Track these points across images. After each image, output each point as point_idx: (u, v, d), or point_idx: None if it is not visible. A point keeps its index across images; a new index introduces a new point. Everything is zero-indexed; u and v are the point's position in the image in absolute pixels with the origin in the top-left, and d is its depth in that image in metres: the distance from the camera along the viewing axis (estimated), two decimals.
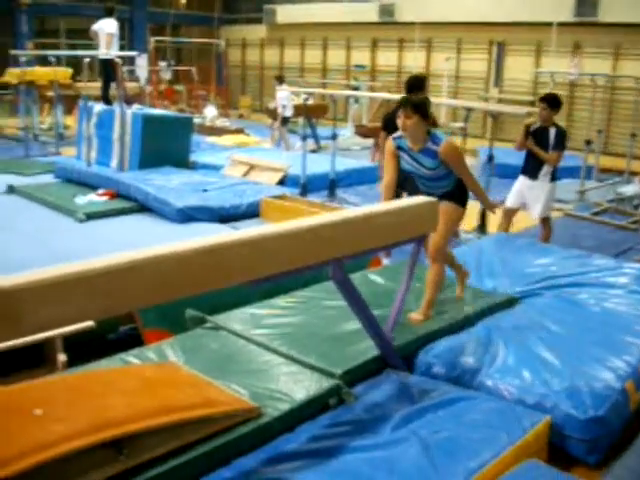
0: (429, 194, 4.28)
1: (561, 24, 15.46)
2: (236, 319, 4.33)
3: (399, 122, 4.33)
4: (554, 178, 6.73)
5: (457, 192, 4.52)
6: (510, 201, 6.92)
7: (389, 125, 6.40)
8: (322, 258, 3.23)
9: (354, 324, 3.99)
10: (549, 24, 15.59)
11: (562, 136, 6.61)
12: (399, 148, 4.47)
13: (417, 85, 6.52)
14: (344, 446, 3.05)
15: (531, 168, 6.74)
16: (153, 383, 3.32)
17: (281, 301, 4.67)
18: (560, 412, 3.35)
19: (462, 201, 4.58)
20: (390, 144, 4.51)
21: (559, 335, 4.19)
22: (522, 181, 6.85)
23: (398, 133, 4.47)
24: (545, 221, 6.86)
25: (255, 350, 3.93)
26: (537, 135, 6.62)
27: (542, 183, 6.68)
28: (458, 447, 2.98)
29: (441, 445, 3.00)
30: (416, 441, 3.02)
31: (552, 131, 6.59)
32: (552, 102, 6.59)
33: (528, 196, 6.77)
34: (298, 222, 3.13)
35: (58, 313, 2.26)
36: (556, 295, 4.93)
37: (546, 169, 6.65)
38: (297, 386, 3.47)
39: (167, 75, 19.73)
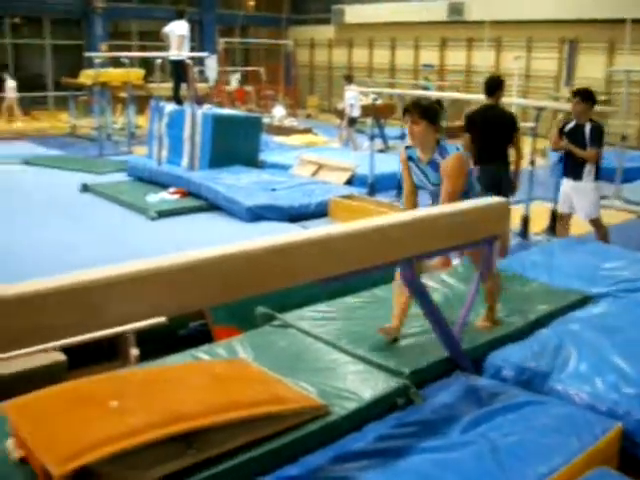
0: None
1: (635, 21, 15.07)
2: (305, 317, 4.35)
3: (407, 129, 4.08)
4: (597, 177, 6.39)
5: None
6: (560, 206, 6.68)
7: (471, 126, 6.35)
8: (391, 258, 3.23)
9: (423, 325, 3.98)
10: (622, 21, 15.20)
11: (598, 132, 6.26)
12: (410, 159, 4.17)
13: (497, 86, 6.45)
14: (411, 447, 3.03)
15: (572, 169, 6.41)
16: (223, 379, 3.36)
17: (350, 300, 4.67)
18: (632, 419, 3.27)
19: None
20: (402, 153, 4.26)
21: (633, 339, 4.08)
22: (566, 183, 6.53)
23: (409, 142, 4.24)
24: (596, 222, 6.55)
25: (323, 348, 3.94)
26: (572, 133, 6.30)
27: (586, 183, 6.34)
28: (527, 452, 2.94)
29: (510, 449, 2.95)
30: (484, 444, 2.99)
31: (587, 127, 6.24)
32: (586, 96, 6.25)
33: (574, 198, 6.45)
34: (367, 222, 3.13)
35: (133, 308, 2.32)
36: (630, 298, 4.81)
37: (589, 168, 6.30)
38: (365, 385, 3.47)
39: (235, 82, 19.96)
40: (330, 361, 3.77)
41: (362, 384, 3.48)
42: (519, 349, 3.95)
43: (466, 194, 3.99)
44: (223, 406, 2.97)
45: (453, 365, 3.82)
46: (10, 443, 2.83)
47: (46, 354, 4.00)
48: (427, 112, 3.97)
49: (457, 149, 4.01)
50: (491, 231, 3.81)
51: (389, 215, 3.61)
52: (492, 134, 6.38)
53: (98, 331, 2.77)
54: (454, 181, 3.95)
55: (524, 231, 7.37)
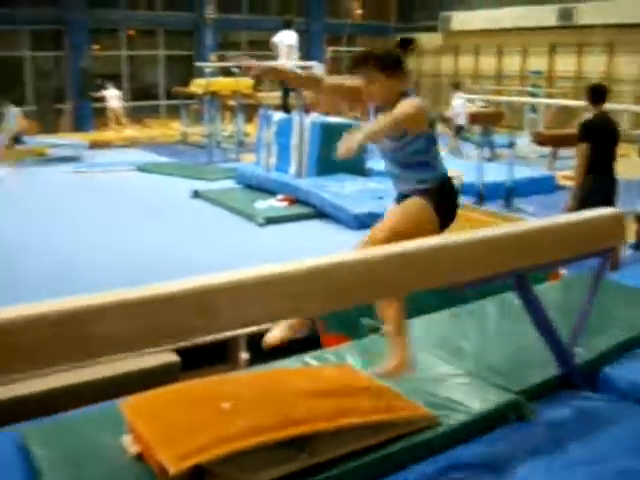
0: (398, 189, 3.38)
1: None
2: (412, 328, 4.33)
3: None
4: None
5: (439, 189, 3.26)
6: None
7: (590, 135, 6.18)
8: (503, 269, 3.18)
9: (534, 338, 3.89)
10: None
11: None
12: None
13: (602, 94, 6.28)
14: (521, 462, 2.97)
15: None
16: (332, 384, 3.39)
17: (458, 311, 4.62)
18: None
19: (440, 204, 3.26)
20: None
21: None
22: None
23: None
24: None
25: (431, 359, 3.91)
26: None
27: None
28: None
29: (631, 471, 2.86)
30: (601, 464, 2.90)
31: None
32: None
33: None
34: (478, 232, 3.10)
35: (250, 313, 2.37)
36: None
37: None
38: (474, 398, 3.42)
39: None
40: (438, 372, 3.74)
41: (471, 397, 3.43)
42: (637, 363, 3.81)
43: (425, 147, 3.17)
44: (335, 412, 2.99)
45: (566, 380, 3.73)
46: (127, 439, 2.94)
47: (160, 355, 4.14)
48: (385, 61, 3.11)
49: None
50: (605, 243, 3.70)
51: (500, 225, 3.56)
52: (609, 143, 6.22)
53: (216, 333, 2.84)
54: (402, 113, 2.99)
55: (638, 243, 7.12)
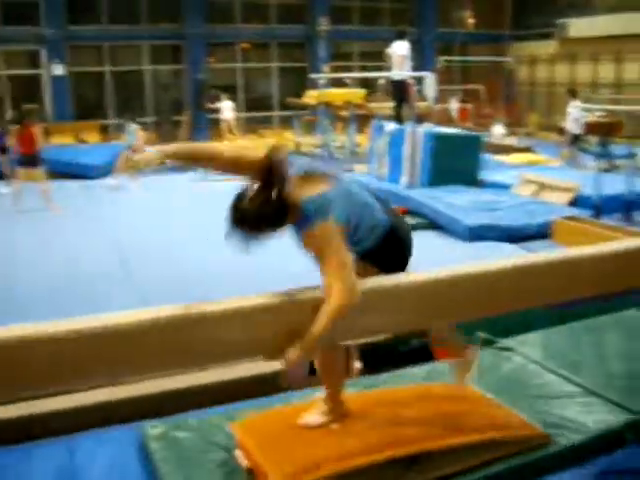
0: None
1: None
2: (528, 343, 4.25)
3: None
4: None
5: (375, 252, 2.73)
6: None
7: None
8: (628, 286, 3.09)
9: None
10: None
11: None
12: None
13: None
14: None
15: None
16: (443, 401, 3.36)
17: (576, 326, 4.50)
18: None
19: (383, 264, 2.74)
20: None
21: None
22: None
23: None
24: None
25: (546, 376, 3.82)
26: None
27: None
28: None
29: None
30: None
31: None
32: None
33: None
34: (603, 246, 3.02)
35: (370, 322, 2.39)
36: None
37: None
38: (590, 417, 3.32)
39: (454, 101, 19.98)
40: (553, 390, 3.66)
41: (588, 416, 3.33)
42: None
43: None
44: (445, 430, 2.96)
45: None
46: (238, 452, 2.98)
47: (268, 363, 4.20)
48: (258, 225, 2.47)
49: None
50: None
51: (624, 240, 3.45)
52: None
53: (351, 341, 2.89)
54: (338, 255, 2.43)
55: None
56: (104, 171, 14.04)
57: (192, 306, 2.12)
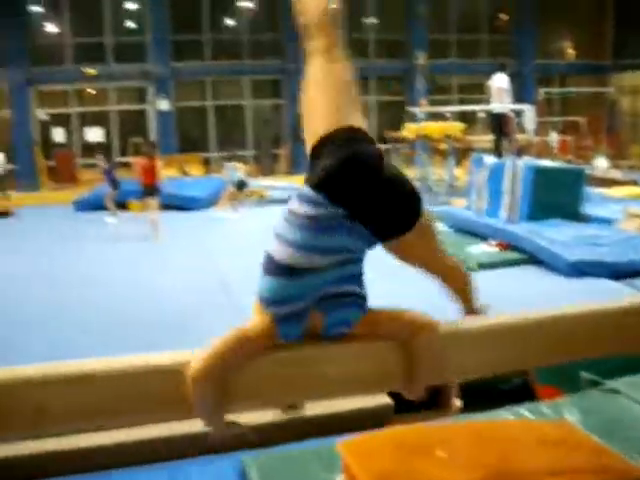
0: None
1: None
2: (635, 385, 4.12)
3: None
4: None
5: None
6: None
7: None
8: None
9: None
10: None
11: None
12: None
13: None
14: None
15: None
16: (547, 441, 3.29)
17: None
18: None
19: None
20: None
21: None
22: None
23: None
24: None
25: None
26: None
27: None
28: None
29: None
30: None
31: None
32: None
33: None
34: None
35: (472, 361, 2.38)
36: None
37: None
38: None
39: (553, 133, 19.65)
40: None
41: None
42: None
43: None
44: (549, 469, 2.91)
45: None
46: (339, 479, 3.01)
47: (375, 397, 4.22)
48: None
49: None
50: None
51: None
52: None
53: (442, 382, 2.88)
54: None
55: None
56: (206, 203, 14.45)
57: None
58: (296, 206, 1.82)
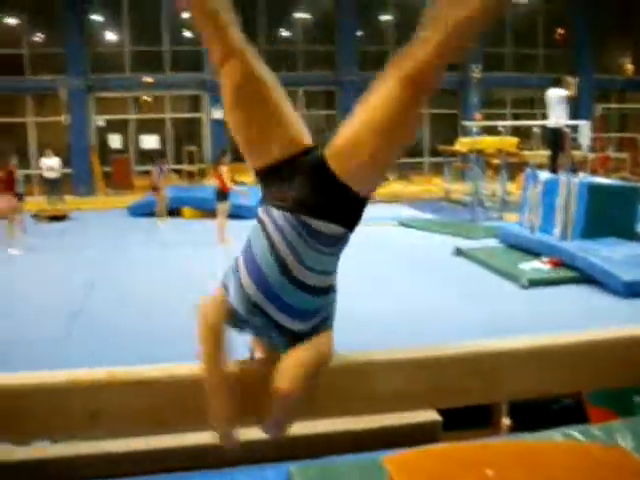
0: None
1: None
2: None
3: None
4: None
5: None
6: None
7: None
8: None
9: None
10: None
11: None
12: None
13: None
14: None
15: None
16: (598, 465, 3.22)
17: None
18: None
19: None
20: None
21: None
22: None
23: None
24: None
25: None
26: None
27: None
28: None
29: None
30: None
31: None
32: None
33: None
34: None
35: (527, 382, 2.35)
36: None
37: None
38: None
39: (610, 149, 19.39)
40: None
41: None
42: None
43: None
44: None
45: None
46: None
47: (423, 412, 4.19)
48: None
49: None
50: None
51: None
52: None
53: (498, 401, 2.85)
54: None
55: None
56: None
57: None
58: None
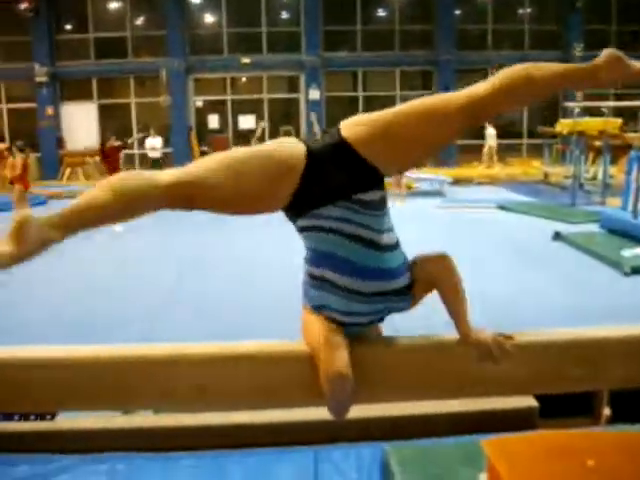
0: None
1: None
2: None
3: None
4: None
5: None
6: None
7: None
8: None
9: None
10: None
11: None
12: None
13: None
14: None
15: None
16: None
17: None
18: None
19: None
20: None
21: None
22: None
23: None
24: None
25: None
26: None
27: None
28: None
29: None
30: None
31: None
32: None
33: None
34: None
35: (635, 371, 2.30)
36: None
37: None
38: None
39: None
40: None
41: None
42: None
43: None
44: None
45: None
46: (482, 477, 2.99)
47: (520, 398, 4.14)
48: None
49: None
50: None
51: None
52: None
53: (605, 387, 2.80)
54: None
55: None
56: None
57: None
58: None
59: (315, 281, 1.80)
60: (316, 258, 1.79)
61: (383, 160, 1.75)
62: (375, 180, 1.77)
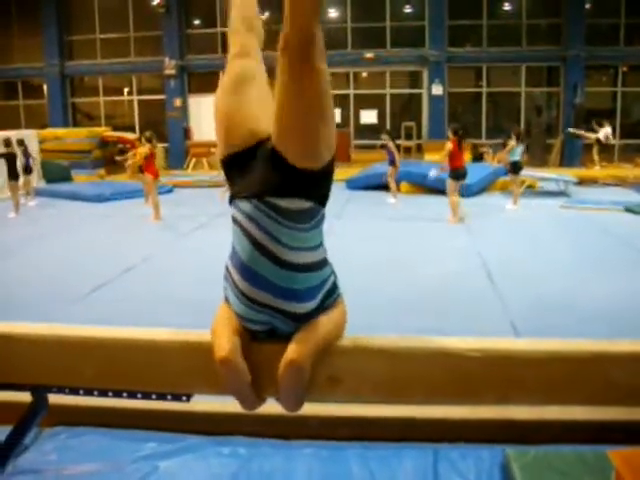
0: None
1: None
2: None
3: None
4: None
5: None
6: None
7: None
8: None
9: None
10: None
11: None
12: None
13: None
14: None
15: None
16: None
17: None
18: None
19: None
20: None
21: None
22: None
23: None
24: None
25: None
26: None
27: None
28: None
29: None
30: None
31: None
32: None
33: None
34: None
35: None
36: None
37: None
38: None
39: None
40: None
41: None
42: None
43: None
44: None
45: None
46: None
47: None
48: None
49: None
50: None
51: None
52: None
53: None
54: None
55: None
56: (477, 190, 14.28)
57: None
58: None
59: (227, 273, 1.80)
60: (232, 252, 1.78)
61: (292, 153, 1.66)
62: (298, 189, 1.68)
